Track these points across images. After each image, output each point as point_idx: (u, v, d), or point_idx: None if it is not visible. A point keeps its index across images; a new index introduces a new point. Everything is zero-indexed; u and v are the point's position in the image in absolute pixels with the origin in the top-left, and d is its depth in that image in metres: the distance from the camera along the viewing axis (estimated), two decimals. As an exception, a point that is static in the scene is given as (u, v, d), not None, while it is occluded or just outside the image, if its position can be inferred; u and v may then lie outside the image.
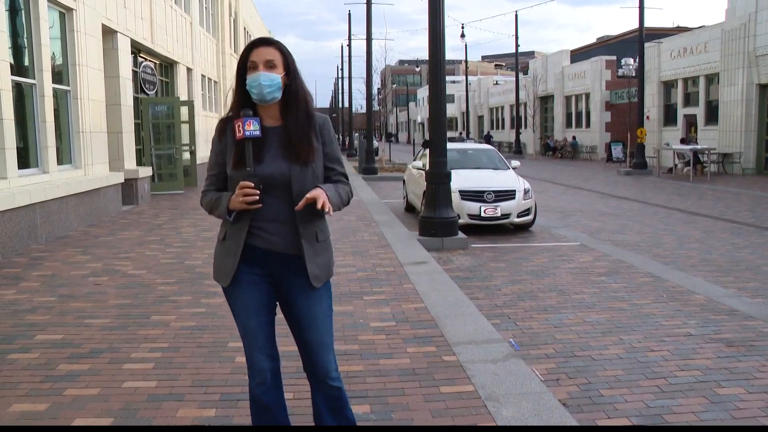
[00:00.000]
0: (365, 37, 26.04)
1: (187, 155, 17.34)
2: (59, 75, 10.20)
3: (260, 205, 2.47)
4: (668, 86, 29.82)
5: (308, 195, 2.43)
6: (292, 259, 2.59)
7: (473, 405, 3.55)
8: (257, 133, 2.49)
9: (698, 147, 23.44)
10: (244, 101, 2.56)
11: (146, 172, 13.92)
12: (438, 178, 9.67)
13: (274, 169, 2.52)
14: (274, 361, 2.67)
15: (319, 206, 2.42)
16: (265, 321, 2.64)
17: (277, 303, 2.72)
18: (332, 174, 2.68)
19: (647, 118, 27.98)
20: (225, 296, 2.69)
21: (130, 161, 13.29)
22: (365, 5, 25.39)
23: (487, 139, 44.40)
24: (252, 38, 26.66)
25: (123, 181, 12.26)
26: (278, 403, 2.73)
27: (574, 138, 38.78)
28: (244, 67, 2.54)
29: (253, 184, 2.44)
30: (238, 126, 2.49)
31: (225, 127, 2.62)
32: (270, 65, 2.51)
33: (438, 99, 9.80)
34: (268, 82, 2.49)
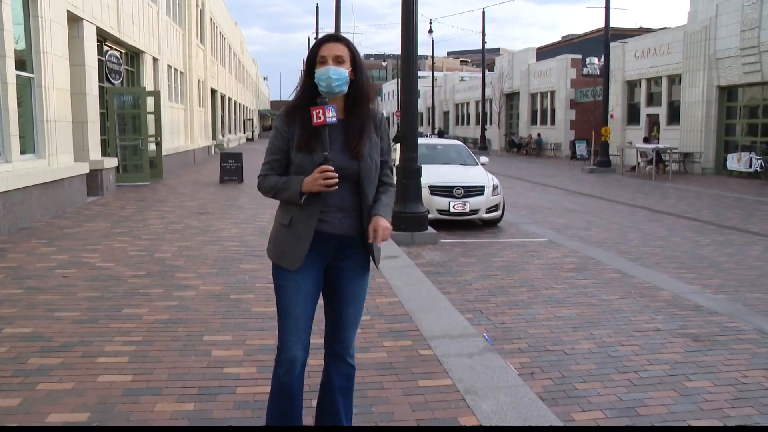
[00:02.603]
0: (333, 30, 25.94)
1: (153, 146, 17.08)
2: (23, 62, 9.94)
3: (337, 187, 2.58)
4: (632, 86, 30.35)
5: (376, 227, 2.61)
6: (350, 241, 2.73)
7: (452, 398, 3.59)
8: (335, 119, 2.61)
9: (660, 146, 23.93)
10: (310, 93, 2.68)
11: (111, 162, 13.68)
12: (408, 172, 9.70)
13: (343, 162, 2.64)
14: (305, 351, 2.74)
15: (379, 243, 2.65)
16: (310, 308, 2.74)
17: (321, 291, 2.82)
18: (384, 166, 2.82)
19: (611, 116, 28.44)
20: (275, 276, 2.75)
21: (95, 152, 13.04)
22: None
23: (440, 135, 44.61)
24: (219, 28, 26.31)
25: (88, 171, 12.01)
26: (300, 391, 2.80)
27: (539, 135, 39.21)
28: (313, 62, 2.67)
29: (333, 168, 2.55)
30: (318, 112, 2.58)
31: (293, 114, 2.71)
32: (339, 60, 2.64)
33: (410, 94, 9.83)
34: (336, 75, 2.62)
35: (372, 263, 2.82)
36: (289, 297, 2.70)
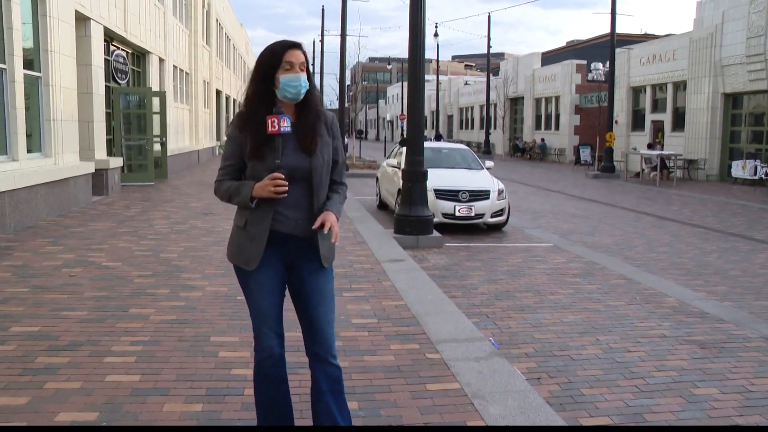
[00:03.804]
0: (339, 33, 25.99)
1: (158, 147, 17.10)
2: (30, 61, 9.96)
3: (286, 195, 2.68)
4: (637, 92, 30.32)
5: (324, 219, 2.70)
6: (307, 242, 2.80)
7: (460, 402, 3.58)
8: (289, 129, 2.69)
9: (665, 153, 23.90)
10: (263, 99, 2.75)
11: (117, 162, 13.70)
12: (414, 176, 9.71)
13: (296, 162, 2.74)
14: (280, 339, 2.86)
15: (333, 239, 2.75)
16: (277, 301, 2.84)
17: (286, 286, 2.90)
18: (336, 166, 2.91)
19: (616, 122, 28.41)
20: (239, 277, 2.86)
21: (100, 151, 13.06)
22: (340, 1, 25.31)
23: (438, 139, 44.54)
24: (224, 29, 26.28)
25: (93, 171, 12.04)
26: (282, 376, 2.89)
27: (543, 140, 39.19)
28: (273, 66, 2.72)
29: (283, 176, 2.65)
30: (273, 122, 2.67)
31: (246, 120, 2.78)
32: (303, 68, 2.74)
33: (416, 97, 9.84)
34: (305, 84, 2.72)
35: (332, 262, 2.90)
36: (256, 295, 2.81)
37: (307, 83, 2.74)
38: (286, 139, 2.73)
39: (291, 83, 2.70)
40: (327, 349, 2.83)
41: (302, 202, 2.77)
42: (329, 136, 2.86)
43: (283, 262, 2.82)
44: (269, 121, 2.66)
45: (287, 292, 2.91)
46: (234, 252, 2.84)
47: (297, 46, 2.76)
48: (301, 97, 2.74)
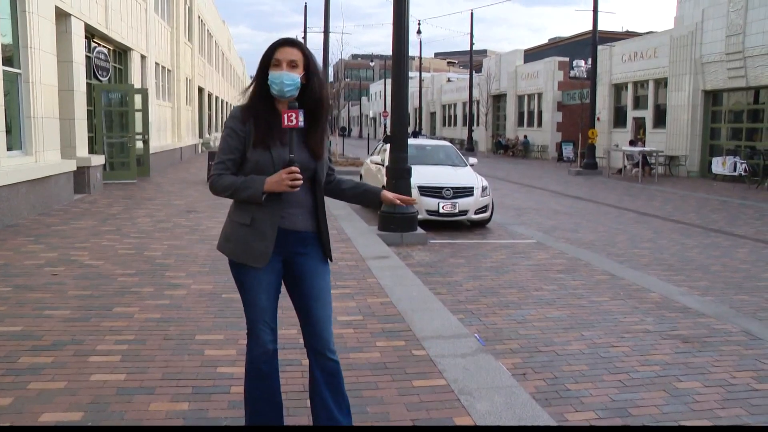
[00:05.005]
0: (322, 30, 25.94)
1: (140, 144, 16.97)
2: (9, 57, 9.84)
3: (299, 188, 2.69)
4: (619, 89, 30.52)
5: (400, 198, 2.97)
6: (306, 236, 2.85)
7: (447, 399, 3.60)
8: (302, 124, 2.70)
9: (647, 149, 24.11)
10: (263, 93, 2.77)
11: (99, 160, 13.56)
12: (398, 173, 9.72)
13: (304, 158, 2.77)
14: (274, 335, 2.87)
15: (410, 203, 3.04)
16: (272, 298, 2.85)
17: (283, 283, 2.92)
18: (330, 164, 3.03)
19: (598, 119, 28.61)
20: (234, 273, 2.86)
21: (82, 149, 12.93)
22: (323, -2, 25.24)
23: (415, 135, 44.49)
24: (206, 26, 26.17)
25: (75, 169, 11.92)
26: (274, 373, 2.90)
27: (525, 137, 39.37)
28: (267, 63, 2.75)
29: (299, 170, 2.66)
30: (290, 116, 2.66)
31: (248, 113, 2.77)
32: (292, 65, 2.72)
33: (400, 94, 9.85)
34: (289, 81, 2.70)
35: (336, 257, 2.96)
36: (252, 291, 2.82)
37: (296, 81, 2.71)
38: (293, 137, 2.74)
39: (274, 80, 2.70)
40: (324, 343, 2.85)
41: (305, 199, 2.81)
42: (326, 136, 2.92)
43: (281, 257, 2.83)
44: (285, 116, 2.66)
45: (283, 288, 2.92)
46: (240, 250, 2.78)
47: (288, 43, 2.76)
48: (288, 96, 2.71)
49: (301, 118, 2.67)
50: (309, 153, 2.79)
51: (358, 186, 3.10)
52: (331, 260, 2.94)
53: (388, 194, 2.96)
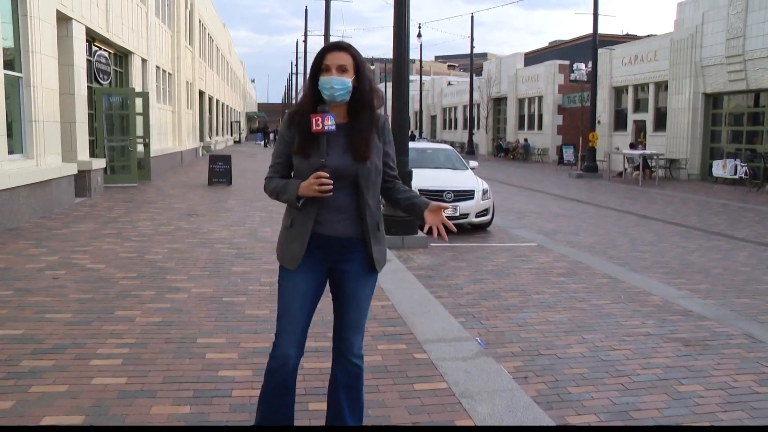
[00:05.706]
0: (322, 33, 25.99)
1: (141, 148, 16.99)
2: (11, 61, 9.86)
3: (331, 193, 2.66)
4: (619, 92, 30.56)
5: (440, 229, 2.85)
6: (351, 243, 2.79)
7: (448, 402, 3.60)
8: (333, 128, 2.68)
9: (647, 152, 24.12)
10: (315, 98, 2.75)
11: (99, 163, 13.60)
12: (400, 176, 9.71)
13: (340, 163, 2.71)
14: (299, 349, 2.81)
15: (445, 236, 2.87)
16: (307, 308, 2.80)
17: (327, 286, 2.90)
18: (388, 169, 2.90)
19: (599, 122, 28.63)
20: (279, 276, 2.85)
21: (83, 152, 12.96)
22: (324, 1, 25.30)
23: (412, 138, 44.54)
24: (207, 30, 26.23)
25: (76, 172, 11.94)
26: (290, 386, 2.86)
27: (526, 140, 39.38)
28: (318, 68, 2.74)
29: (327, 175, 2.64)
30: (317, 120, 2.66)
31: (293, 119, 2.80)
32: (342, 69, 2.71)
33: (401, 98, 9.85)
34: (339, 85, 2.69)
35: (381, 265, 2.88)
36: (287, 296, 2.80)
37: (346, 85, 2.70)
38: (334, 140, 2.72)
39: (324, 85, 2.70)
40: (348, 346, 2.86)
41: (345, 204, 2.76)
42: (380, 140, 2.83)
43: (325, 265, 2.81)
44: (313, 120, 2.67)
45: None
46: (280, 250, 2.84)
47: (337, 47, 2.77)
48: (339, 100, 2.71)
49: (329, 122, 2.65)
50: (352, 157, 2.73)
51: (410, 197, 2.95)
52: (372, 271, 2.84)
53: (431, 218, 2.82)
